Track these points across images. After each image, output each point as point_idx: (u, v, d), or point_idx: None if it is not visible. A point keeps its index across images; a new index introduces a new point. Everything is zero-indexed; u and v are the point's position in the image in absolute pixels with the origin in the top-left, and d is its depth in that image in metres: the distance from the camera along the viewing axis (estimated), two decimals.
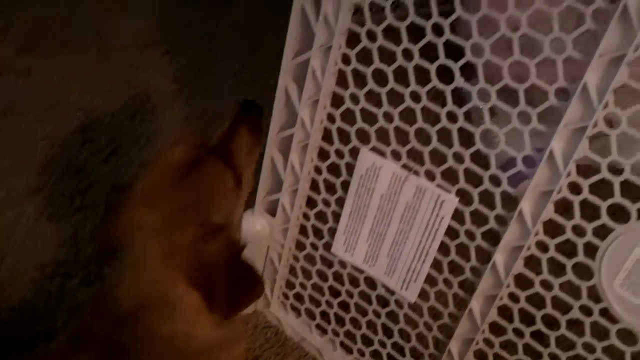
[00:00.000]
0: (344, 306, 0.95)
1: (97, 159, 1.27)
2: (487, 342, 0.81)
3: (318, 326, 1.00)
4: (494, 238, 0.74)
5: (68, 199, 1.19)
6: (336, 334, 0.98)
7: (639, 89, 0.57)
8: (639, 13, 0.55)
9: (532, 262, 0.72)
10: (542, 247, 0.70)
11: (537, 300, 0.74)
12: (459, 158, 0.72)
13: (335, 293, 0.95)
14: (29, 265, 1.09)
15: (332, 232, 0.88)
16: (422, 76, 0.70)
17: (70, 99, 1.39)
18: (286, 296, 1.02)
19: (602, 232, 0.65)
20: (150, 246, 0.63)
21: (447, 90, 0.69)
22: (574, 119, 0.62)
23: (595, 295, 0.69)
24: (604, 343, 0.69)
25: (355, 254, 0.87)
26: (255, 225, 0.95)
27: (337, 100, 0.79)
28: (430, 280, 0.82)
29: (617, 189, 0.62)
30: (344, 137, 0.81)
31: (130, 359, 0.63)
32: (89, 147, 1.29)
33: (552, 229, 0.69)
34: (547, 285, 0.72)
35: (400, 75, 0.72)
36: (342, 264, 0.90)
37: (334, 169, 0.84)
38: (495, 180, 0.71)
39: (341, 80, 0.78)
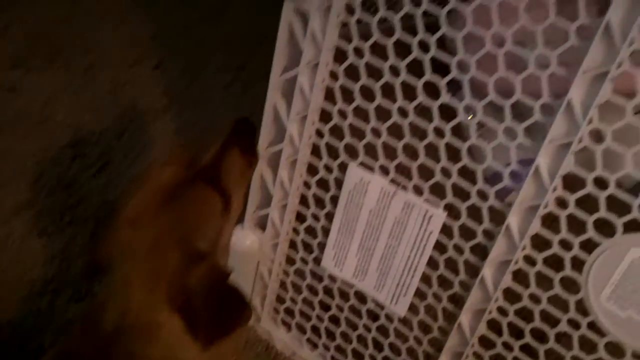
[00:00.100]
0: (335, 320, 0.95)
1: (87, 174, 1.26)
2: (477, 355, 0.81)
3: (309, 340, 1.00)
4: (482, 252, 0.74)
5: (58, 215, 1.19)
6: (327, 348, 0.98)
7: (622, 105, 0.58)
8: (621, 30, 0.56)
9: (520, 276, 0.73)
10: (530, 261, 0.71)
11: (525, 314, 0.74)
12: (446, 173, 0.73)
13: (325, 307, 0.95)
14: (18, 281, 1.09)
15: (322, 246, 0.88)
16: (409, 92, 0.71)
17: (59, 114, 1.39)
18: (276, 311, 1.02)
19: (589, 246, 0.66)
20: (134, 270, 0.63)
21: (434, 106, 0.70)
22: (559, 135, 0.62)
23: (582, 308, 0.69)
24: (592, 356, 0.70)
25: (345, 269, 0.87)
26: (245, 240, 0.95)
27: (325, 116, 0.80)
28: (419, 294, 0.83)
29: (602, 203, 0.63)
30: (333, 153, 0.81)
31: None
32: (79, 163, 1.29)
33: (539, 243, 0.69)
34: (535, 299, 0.73)
35: (388, 91, 0.72)
36: (332, 278, 0.91)
37: (323, 184, 0.85)
38: (483, 195, 0.71)
39: (329, 96, 0.78)
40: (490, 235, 0.73)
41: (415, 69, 0.69)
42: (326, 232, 0.87)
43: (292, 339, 1.02)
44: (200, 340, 0.63)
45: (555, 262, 0.69)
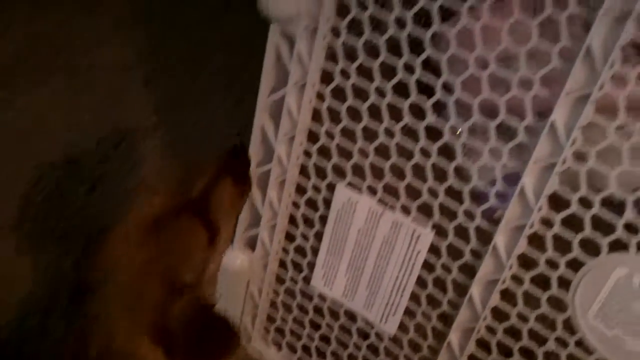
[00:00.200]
0: (325, 339, 0.95)
1: (79, 192, 1.26)
2: None
3: None
4: (470, 272, 0.75)
5: (49, 232, 1.18)
6: None
7: (604, 126, 0.58)
8: (602, 53, 0.56)
9: (508, 295, 0.73)
10: (517, 280, 0.71)
11: (514, 333, 0.74)
12: (433, 193, 0.73)
13: (316, 326, 0.95)
14: (8, 300, 1.08)
15: (311, 266, 0.88)
16: (396, 113, 0.71)
17: (51, 131, 1.39)
18: (267, 330, 1.02)
19: (575, 265, 0.66)
20: (118, 300, 0.63)
21: (420, 127, 0.70)
22: (543, 156, 0.63)
23: (570, 327, 0.70)
24: None
25: (335, 288, 0.87)
26: (235, 260, 0.95)
27: (313, 137, 0.80)
28: (409, 313, 0.83)
29: (587, 223, 0.63)
30: (321, 173, 0.82)
31: None
32: (70, 180, 1.28)
33: (526, 262, 0.70)
34: (523, 317, 0.73)
35: (374, 112, 0.73)
36: (322, 297, 0.91)
37: (311, 204, 0.85)
38: (470, 215, 0.72)
39: (316, 117, 0.79)
40: (477, 255, 0.73)
41: (401, 90, 0.70)
42: (315, 251, 0.87)
43: (283, 359, 1.02)
44: None
45: (542, 281, 0.69)
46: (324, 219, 0.84)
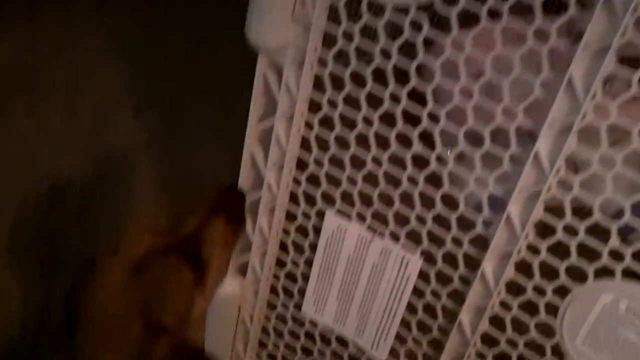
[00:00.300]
0: None
1: (67, 221, 1.27)
2: None
3: None
4: (459, 298, 0.75)
5: (38, 263, 1.18)
6: None
7: (589, 157, 0.59)
8: (583, 84, 0.57)
9: (497, 321, 0.74)
10: (506, 306, 0.72)
11: (503, 358, 0.75)
12: (421, 220, 0.74)
13: (307, 352, 0.95)
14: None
15: (302, 292, 0.89)
16: (383, 141, 0.72)
17: (38, 159, 1.39)
18: (259, 356, 1.02)
19: (562, 292, 0.67)
20: (102, 336, 0.64)
21: (407, 155, 0.71)
22: (528, 185, 0.64)
23: (559, 352, 0.70)
24: None
25: (325, 314, 0.88)
26: (226, 287, 0.95)
27: (302, 164, 0.81)
28: (399, 338, 0.83)
29: (573, 250, 0.64)
30: (310, 200, 0.82)
31: None
32: (59, 209, 1.29)
33: (514, 289, 0.70)
34: (512, 343, 0.73)
35: (362, 141, 0.74)
36: (314, 323, 0.91)
37: (301, 231, 0.85)
38: (457, 242, 0.72)
39: (305, 145, 0.79)
40: (466, 281, 0.73)
41: (388, 119, 0.70)
42: (306, 277, 0.87)
43: None
44: None
45: (530, 307, 0.70)
46: (314, 246, 0.84)
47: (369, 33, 0.68)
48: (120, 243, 0.68)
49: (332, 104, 0.74)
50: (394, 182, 0.74)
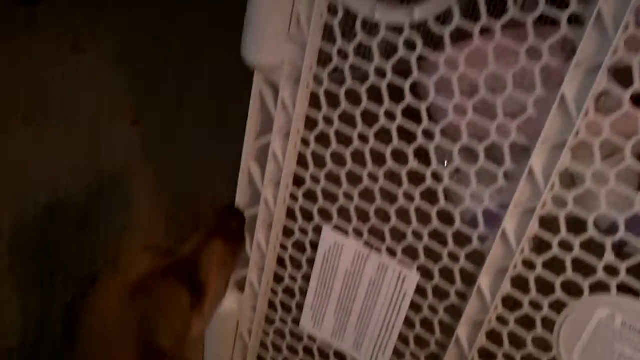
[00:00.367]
0: None
1: (66, 236, 1.27)
2: None
3: None
4: (456, 313, 0.75)
5: (38, 278, 1.19)
6: None
7: (582, 173, 0.60)
8: (576, 102, 0.58)
9: (494, 336, 0.74)
10: (502, 321, 0.72)
11: None
12: (418, 235, 0.74)
13: None
14: None
15: (300, 307, 0.89)
16: (379, 158, 0.73)
17: (36, 175, 1.39)
18: None
19: (558, 306, 0.67)
20: (98, 358, 0.64)
21: (402, 171, 0.71)
22: (523, 201, 0.64)
23: None
24: None
25: (323, 329, 0.88)
26: (224, 302, 0.95)
27: (298, 180, 0.81)
28: (397, 353, 0.83)
29: (569, 265, 0.64)
30: (307, 216, 0.83)
31: None
32: (57, 224, 1.29)
33: (510, 303, 0.71)
34: (509, 357, 0.74)
35: (358, 157, 0.74)
36: (312, 338, 0.91)
37: (299, 246, 0.86)
38: (454, 257, 0.73)
39: (302, 162, 0.80)
40: (463, 296, 0.74)
41: (384, 135, 0.71)
42: (304, 292, 0.88)
43: None
44: None
45: (527, 322, 0.70)
46: (311, 261, 0.85)
47: (363, 51, 0.69)
48: (119, 263, 0.68)
49: (328, 121, 0.74)
50: (391, 198, 0.74)
